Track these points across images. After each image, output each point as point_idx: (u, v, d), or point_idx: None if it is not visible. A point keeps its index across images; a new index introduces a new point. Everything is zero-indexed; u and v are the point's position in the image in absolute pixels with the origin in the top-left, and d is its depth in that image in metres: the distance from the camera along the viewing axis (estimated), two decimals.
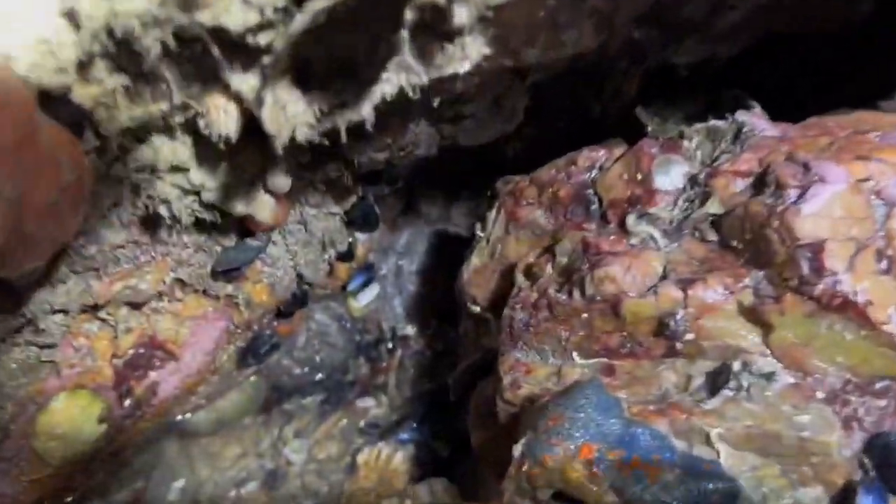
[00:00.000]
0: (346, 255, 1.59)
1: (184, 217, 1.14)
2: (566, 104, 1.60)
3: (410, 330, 1.95)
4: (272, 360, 1.88)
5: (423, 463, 1.67)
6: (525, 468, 1.08)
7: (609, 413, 1.08)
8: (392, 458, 1.68)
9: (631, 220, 1.26)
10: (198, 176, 1.09)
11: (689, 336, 1.15)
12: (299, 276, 1.53)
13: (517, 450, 1.12)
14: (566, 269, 1.27)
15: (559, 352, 1.26)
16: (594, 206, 1.35)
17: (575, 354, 1.24)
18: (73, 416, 1.38)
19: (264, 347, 1.66)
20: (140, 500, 1.83)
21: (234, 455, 1.83)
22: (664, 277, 1.17)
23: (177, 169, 1.07)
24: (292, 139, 0.90)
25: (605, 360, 1.22)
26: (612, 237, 1.25)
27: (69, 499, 1.66)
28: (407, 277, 1.98)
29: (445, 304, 1.96)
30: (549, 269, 1.31)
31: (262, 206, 1.19)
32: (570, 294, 1.23)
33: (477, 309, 1.53)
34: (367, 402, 1.90)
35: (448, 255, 2.00)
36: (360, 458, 1.71)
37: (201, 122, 0.95)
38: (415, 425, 1.77)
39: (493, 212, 1.47)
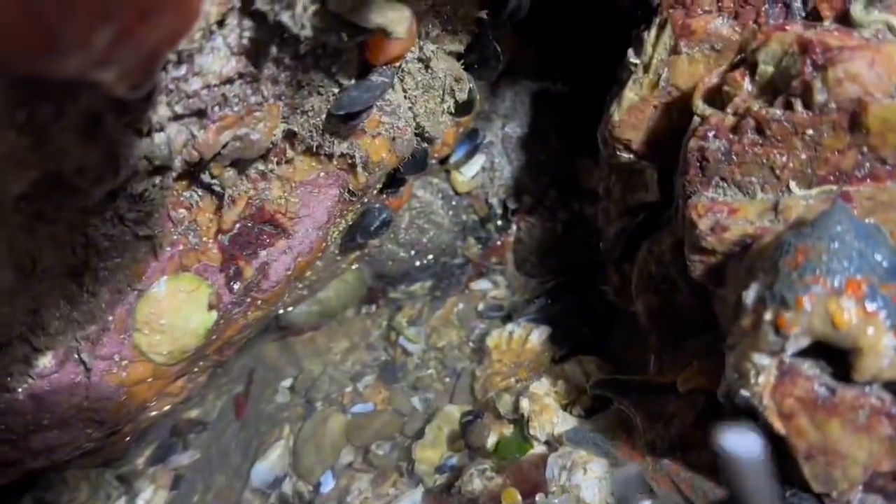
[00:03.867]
0: (466, 107, 1.35)
1: (306, 29, 0.89)
2: None
3: (526, 202, 1.72)
4: (373, 245, 1.66)
5: (563, 343, 1.46)
6: (768, 316, 0.85)
7: (872, 240, 0.85)
8: (527, 338, 1.47)
9: (857, 8, 1.00)
10: None
11: None
12: (418, 130, 1.29)
13: (749, 296, 0.89)
14: (775, 80, 1.02)
15: (771, 184, 1.02)
16: (797, 2, 1.08)
17: (793, 184, 1.00)
18: (179, 303, 1.18)
19: (375, 223, 1.43)
20: (241, 405, 1.66)
21: (343, 349, 1.64)
22: None
23: None
24: None
25: (834, 186, 0.98)
26: (835, 34, 0.98)
27: (167, 407, 1.49)
28: (515, 143, 1.73)
29: (564, 170, 1.72)
30: (746, 84, 1.06)
31: (399, 19, 0.94)
32: (787, 107, 0.98)
33: (629, 157, 1.29)
34: (483, 285, 1.69)
35: (559, 114, 1.75)
36: (490, 342, 1.51)
37: None
38: (547, 303, 1.56)
39: (653, 30, 1.21)
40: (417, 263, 1.72)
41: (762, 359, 0.88)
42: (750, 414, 0.93)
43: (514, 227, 1.73)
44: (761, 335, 0.86)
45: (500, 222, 1.75)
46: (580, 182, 1.67)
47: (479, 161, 1.73)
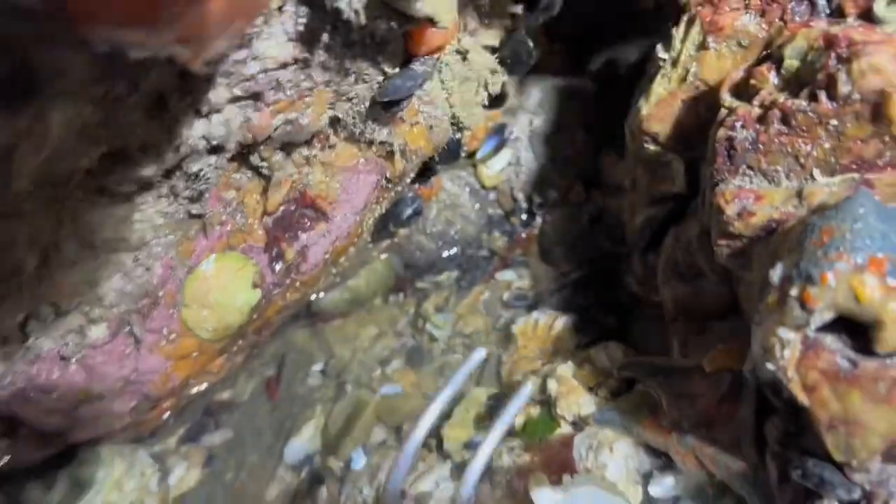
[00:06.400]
0: (498, 100, 1.40)
1: (359, 16, 0.95)
2: None
3: (551, 196, 1.77)
4: (402, 236, 1.72)
5: (587, 331, 1.51)
6: (794, 292, 0.90)
7: (894, 222, 0.90)
8: (552, 325, 1.52)
9: (880, 6, 1.05)
10: None
11: None
12: (454, 120, 1.34)
13: (776, 274, 0.94)
14: (801, 74, 1.07)
15: (795, 172, 1.07)
16: (822, 1, 1.13)
17: (817, 172, 1.05)
18: (226, 280, 1.24)
19: (407, 211, 1.49)
20: (273, 387, 1.71)
21: (372, 335, 1.69)
22: None
23: None
24: None
25: (856, 174, 1.03)
26: (859, 29, 1.03)
27: (206, 385, 1.54)
28: (541, 138, 1.78)
29: (589, 165, 1.77)
30: (772, 77, 1.11)
31: (446, 9, 1.00)
32: (811, 99, 1.03)
33: (656, 149, 1.34)
34: (509, 275, 1.74)
35: (585, 111, 1.80)
36: (516, 329, 1.55)
37: None
38: (572, 293, 1.61)
39: (682, 27, 1.26)
40: (444, 254, 1.77)
41: (787, 333, 0.92)
42: (774, 387, 0.98)
43: (538, 219, 1.78)
44: (787, 310, 0.91)
45: (524, 216, 1.80)
46: (605, 176, 1.72)
47: (505, 156, 1.78)
